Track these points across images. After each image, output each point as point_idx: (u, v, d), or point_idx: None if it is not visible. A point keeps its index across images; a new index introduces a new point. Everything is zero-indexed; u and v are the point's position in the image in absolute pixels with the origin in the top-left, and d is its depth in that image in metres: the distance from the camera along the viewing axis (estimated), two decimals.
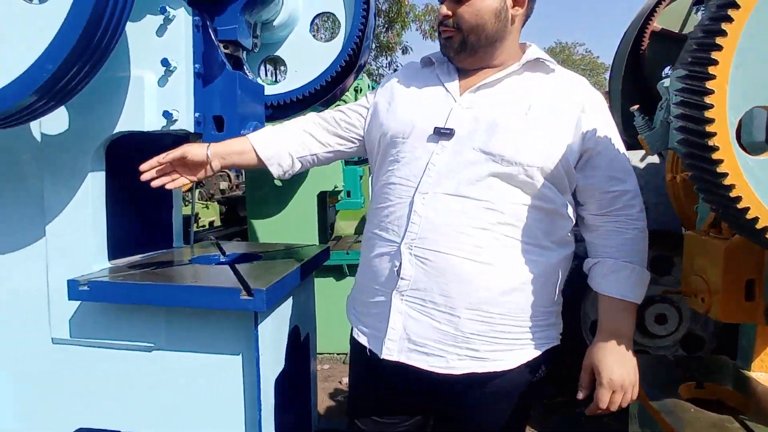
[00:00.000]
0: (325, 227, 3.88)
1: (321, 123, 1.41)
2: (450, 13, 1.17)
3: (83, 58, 1.23)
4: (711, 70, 0.74)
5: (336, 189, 3.66)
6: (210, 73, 1.63)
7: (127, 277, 1.51)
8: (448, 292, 1.11)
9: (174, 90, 1.53)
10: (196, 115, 1.59)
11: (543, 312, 1.17)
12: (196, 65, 1.58)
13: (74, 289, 1.46)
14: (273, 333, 1.61)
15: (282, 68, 2.39)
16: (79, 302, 1.61)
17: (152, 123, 1.53)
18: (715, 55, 0.73)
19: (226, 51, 1.70)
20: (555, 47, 34.04)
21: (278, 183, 3.65)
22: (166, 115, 1.51)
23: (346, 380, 3.25)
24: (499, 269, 1.11)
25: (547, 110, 1.14)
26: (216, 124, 1.64)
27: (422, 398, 1.25)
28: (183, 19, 1.52)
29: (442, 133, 1.14)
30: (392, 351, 1.17)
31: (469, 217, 1.10)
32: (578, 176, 1.17)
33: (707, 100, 0.75)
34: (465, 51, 1.19)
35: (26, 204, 1.66)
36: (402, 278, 1.14)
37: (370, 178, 3.36)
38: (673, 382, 1.36)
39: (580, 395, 1.16)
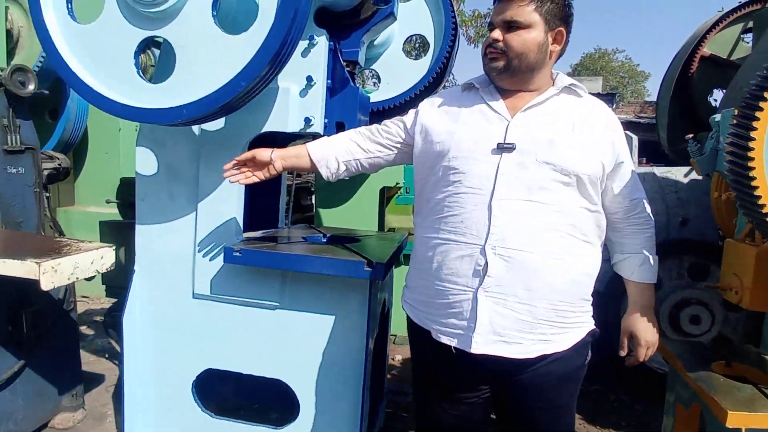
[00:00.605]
0: (383, 219, 4.26)
1: (365, 133, 1.64)
2: (500, 38, 1.33)
3: (265, 77, 1.62)
4: (754, 123, 1.08)
5: (397, 185, 4.03)
6: (336, 87, 2.01)
7: (270, 248, 1.91)
8: (529, 286, 1.27)
9: (312, 100, 1.91)
10: (325, 120, 1.97)
11: (587, 299, 1.40)
12: (328, 81, 1.96)
13: (229, 255, 1.86)
14: (376, 301, 1.99)
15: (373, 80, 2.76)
16: (220, 265, 2.02)
17: (294, 125, 1.92)
18: (757, 114, 1.07)
19: (347, 68, 2.08)
20: (594, 53, 33.68)
21: (346, 177, 4.05)
22: (307, 120, 1.90)
23: (398, 357, 3.63)
24: (566, 263, 1.30)
25: (587, 128, 1.34)
26: (337, 128, 2.02)
27: (489, 380, 1.45)
28: (323, 44, 1.90)
29: (504, 148, 1.30)
30: (479, 344, 1.30)
31: (542, 219, 1.28)
32: (612, 186, 1.39)
33: (751, 144, 1.09)
34: (507, 72, 1.35)
35: (182, 185, 2.07)
36: (488, 276, 1.27)
37: None
38: (706, 361, 1.68)
39: (623, 353, 1.51)
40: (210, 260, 2.05)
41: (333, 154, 1.64)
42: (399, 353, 3.68)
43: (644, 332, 1.45)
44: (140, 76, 1.72)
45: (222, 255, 1.93)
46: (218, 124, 1.98)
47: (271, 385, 2.07)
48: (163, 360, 2.21)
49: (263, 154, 1.64)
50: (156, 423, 2.24)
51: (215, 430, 2.18)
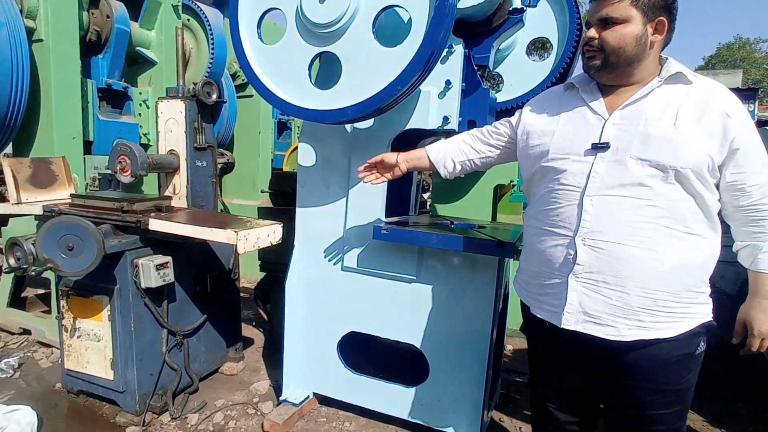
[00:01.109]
0: (495, 216, 4.43)
1: (477, 135, 1.85)
2: (596, 35, 1.37)
3: (416, 82, 1.93)
4: None
5: (511, 183, 4.18)
6: (469, 89, 2.28)
7: (412, 227, 2.22)
8: (618, 273, 1.34)
9: (449, 101, 2.20)
10: (459, 118, 2.24)
11: (695, 291, 1.38)
12: (463, 84, 2.23)
13: (378, 232, 2.20)
14: (501, 280, 2.22)
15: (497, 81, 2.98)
16: (366, 243, 2.38)
17: (433, 122, 2.22)
18: None
19: (479, 72, 2.33)
20: (734, 43, 30.16)
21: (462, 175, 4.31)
22: (445, 118, 2.19)
23: (509, 347, 3.78)
24: (659, 254, 1.32)
25: (693, 118, 1.31)
26: (469, 126, 2.28)
27: (593, 360, 1.51)
28: (459, 52, 2.17)
29: (599, 147, 1.37)
30: (570, 322, 1.43)
31: (633, 213, 1.32)
32: (725, 174, 1.34)
33: None
34: (605, 69, 1.38)
35: (336, 175, 2.47)
36: (577, 264, 1.39)
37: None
38: None
39: (735, 341, 1.49)
40: (357, 239, 2.42)
41: (449, 156, 1.88)
42: (510, 344, 3.83)
43: (759, 323, 1.41)
44: (312, 84, 2.12)
45: (368, 235, 2.29)
46: (368, 122, 2.34)
47: (397, 353, 2.38)
48: (315, 321, 2.63)
49: (390, 157, 1.96)
50: (306, 374, 2.68)
51: (354, 385, 2.56)
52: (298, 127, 6.40)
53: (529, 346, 1.80)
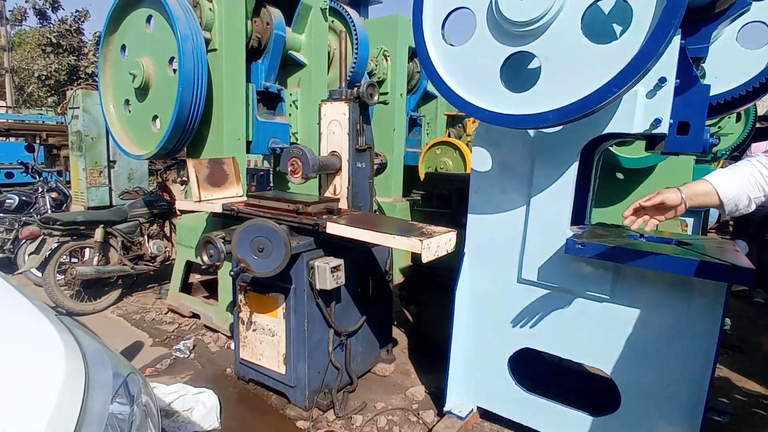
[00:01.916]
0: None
1: None
2: None
3: (635, 83, 1.71)
4: None
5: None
6: (683, 85, 1.99)
7: (612, 242, 2.01)
8: None
9: (662, 101, 1.93)
10: (670, 121, 1.97)
11: None
12: (677, 80, 1.95)
13: (572, 246, 2.02)
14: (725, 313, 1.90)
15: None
16: (549, 254, 2.21)
17: (639, 126, 1.97)
18: None
19: (694, 66, 2.02)
20: None
21: (620, 176, 3.92)
22: (656, 121, 1.93)
23: None
24: None
25: None
26: (680, 129, 2.00)
27: None
28: (676, 44, 1.89)
29: None
30: None
31: None
32: None
33: None
34: None
35: (515, 181, 2.32)
36: None
37: None
38: None
39: None
40: (539, 250, 2.25)
41: (744, 192, 1.59)
42: None
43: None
44: (505, 87, 1.99)
45: (551, 246, 2.11)
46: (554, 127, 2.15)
47: (562, 372, 2.18)
48: (484, 333, 2.51)
49: (672, 197, 1.66)
50: (470, 386, 2.58)
51: (525, 404, 2.41)
52: (428, 123, 6.33)
53: None
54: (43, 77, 18.57)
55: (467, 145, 5.14)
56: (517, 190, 2.32)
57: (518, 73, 2.16)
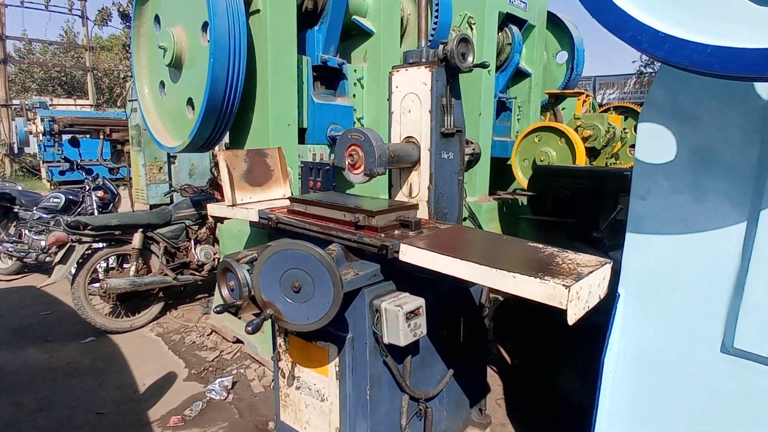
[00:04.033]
0: None
1: None
2: None
3: None
4: None
5: None
6: None
7: None
8: None
9: None
10: None
11: None
12: None
13: None
14: None
15: None
16: None
17: None
18: None
19: None
20: None
21: None
22: None
23: None
24: None
25: None
26: None
27: None
28: None
29: None
30: None
31: None
32: None
33: None
34: None
35: (722, 180, 1.34)
36: None
37: None
38: None
39: None
40: None
41: None
42: None
43: None
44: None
45: None
46: None
47: None
48: (655, 417, 1.57)
49: None
50: None
51: None
52: (519, 107, 5.27)
53: None
54: (129, 77, 19.36)
55: (576, 130, 4.07)
56: (727, 195, 1.33)
57: None
